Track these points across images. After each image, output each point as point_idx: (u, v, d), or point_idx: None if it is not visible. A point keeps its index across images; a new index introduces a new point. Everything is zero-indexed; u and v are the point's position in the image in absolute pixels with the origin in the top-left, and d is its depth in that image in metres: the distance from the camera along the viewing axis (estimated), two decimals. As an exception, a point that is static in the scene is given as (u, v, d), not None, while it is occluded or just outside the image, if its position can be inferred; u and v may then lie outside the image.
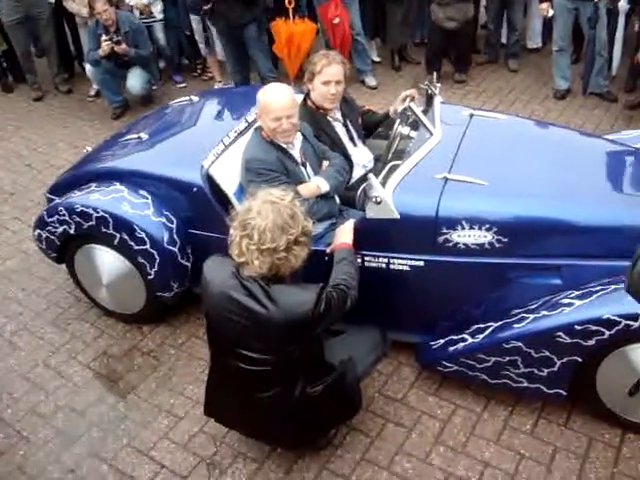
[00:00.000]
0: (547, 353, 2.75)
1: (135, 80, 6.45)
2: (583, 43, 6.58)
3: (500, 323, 2.89)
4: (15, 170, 5.76)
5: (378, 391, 3.22)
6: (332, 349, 2.65)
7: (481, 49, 7.43)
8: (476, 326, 2.98)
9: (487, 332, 2.91)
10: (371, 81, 6.89)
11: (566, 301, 2.76)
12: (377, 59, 7.50)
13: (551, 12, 5.98)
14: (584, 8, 5.76)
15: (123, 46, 6.15)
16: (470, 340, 2.94)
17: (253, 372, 2.42)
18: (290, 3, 6.41)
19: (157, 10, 6.87)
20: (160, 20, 6.95)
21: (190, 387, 3.33)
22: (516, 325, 2.82)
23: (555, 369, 2.77)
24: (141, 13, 6.79)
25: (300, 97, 3.72)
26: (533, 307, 2.86)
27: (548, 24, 7.15)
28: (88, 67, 6.52)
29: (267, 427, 2.65)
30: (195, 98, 4.16)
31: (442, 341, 3.06)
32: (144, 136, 3.76)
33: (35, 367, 3.53)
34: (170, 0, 6.92)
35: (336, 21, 6.35)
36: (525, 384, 2.89)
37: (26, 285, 4.19)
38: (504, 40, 7.30)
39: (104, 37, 6.08)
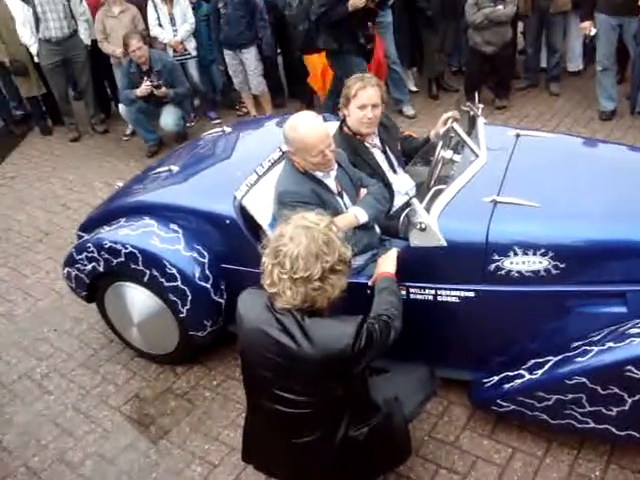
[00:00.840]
0: (616, 390, 2.48)
1: (168, 118, 6.43)
2: (627, 62, 6.36)
3: (560, 357, 2.64)
4: (50, 210, 5.73)
5: (428, 434, 2.97)
6: (376, 388, 2.42)
7: (520, 74, 7.23)
8: (534, 361, 2.72)
9: (546, 367, 2.65)
10: (409, 110, 6.74)
11: (635, 331, 2.50)
12: (414, 89, 7.36)
13: (593, 30, 5.75)
14: (629, 25, 5.54)
15: (163, 89, 6.15)
16: (528, 376, 2.68)
17: (292, 415, 2.20)
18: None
19: (191, 47, 6.87)
20: (194, 57, 6.95)
21: (226, 432, 3.13)
22: (579, 359, 2.55)
23: (626, 408, 2.49)
24: (174, 50, 6.80)
25: (335, 125, 3.58)
26: (597, 338, 2.60)
27: (589, 46, 6.96)
28: (122, 107, 6.52)
29: (308, 474, 2.40)
30: (227, 129, 4.04)
31: (496, 378, 2.80)
32: (175, 169, 3.64)
33: (64, 411, 3.38)
34: (200, 39, 6.93)
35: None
36: (591, 425, 2.61)
37: (58, 325, 4.08)
38: (543, 64, 7.10)
39: (147, 82, 6.09)
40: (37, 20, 6.54)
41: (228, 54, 6.62)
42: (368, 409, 2.32)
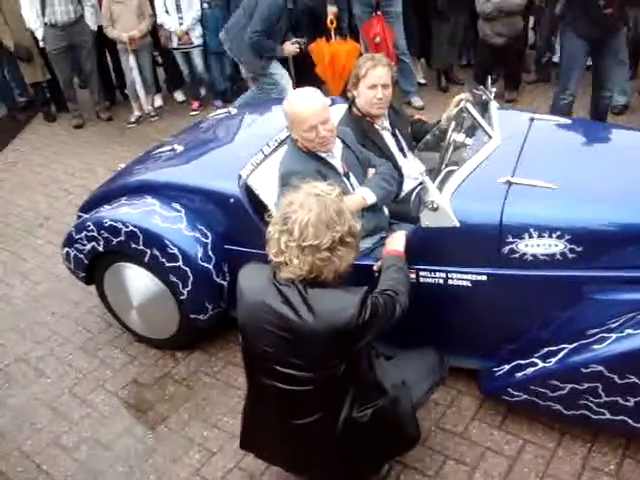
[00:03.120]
0: (634, 379, 2.37)
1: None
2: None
3: (576, 344, 2.53)
4: (52, 195, 5.65)
5: (435, 424, 2.86)
6: (384, 373, 2.32)
7: (531, 68, 7.12)
8: (547, 349, 2.61)
9: (561, 355, 2.54)
10: (417, 102, 6.62)
11: (656, 318, 2.39)
12: (423, 81, 7.25)
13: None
14: (645, 17, 5.43)
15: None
16: (541, 364, 2.58)
17: (292, 393, 2.11)
18: (332, 23, 6.25)
19: (195, 35, 6.76)
20: (198, 46, 6.83)
21: (225, 419, 3.03)
22: (595, 346, 2.45)
23: (644, 398, 2.39)
24: (179, 39, 6.70)
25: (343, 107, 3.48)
26: (614, 326, 2.49)
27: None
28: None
29: (310, 460, 2.30)
30: (233, 110, 3.96)
31: (508, 366, 2.70)
32: (178, 148, 3.55)
33: (60, 395, 3.29)
34: (210, 26, 6.80)
35: (377, 40, 6.12)
36: (607, 416, 2.50)
37: (56, 309, 3.99)
38: (555, 59, 6.98)
39: (294, 43, 5.60)
40: (43, 4, 6.45)
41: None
42: (373, 390, 2.23)
